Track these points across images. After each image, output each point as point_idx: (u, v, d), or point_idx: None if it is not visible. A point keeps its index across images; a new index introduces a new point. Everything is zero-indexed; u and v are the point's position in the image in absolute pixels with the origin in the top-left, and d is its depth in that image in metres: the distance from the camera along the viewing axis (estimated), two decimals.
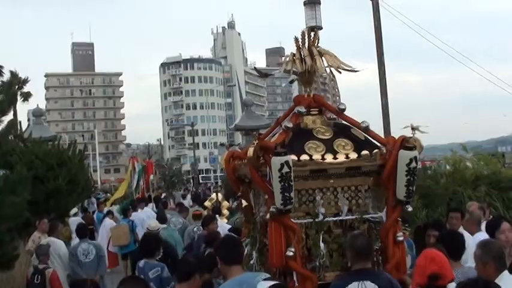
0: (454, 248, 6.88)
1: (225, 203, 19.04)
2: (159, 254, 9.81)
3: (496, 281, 5.76)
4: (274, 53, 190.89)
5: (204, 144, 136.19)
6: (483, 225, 9.94)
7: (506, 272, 6.09)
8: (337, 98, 7.35)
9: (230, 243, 6.38)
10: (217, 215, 15.38)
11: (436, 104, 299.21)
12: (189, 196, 36.67)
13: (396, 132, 6.97)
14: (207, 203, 18.94)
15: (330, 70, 7.03)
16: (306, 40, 7.03)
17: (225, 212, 17.86)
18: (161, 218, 15.76)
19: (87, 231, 14.24)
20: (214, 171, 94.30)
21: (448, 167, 17.97)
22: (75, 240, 15.29)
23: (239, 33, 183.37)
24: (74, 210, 23.72)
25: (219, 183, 50.83)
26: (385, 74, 19.44)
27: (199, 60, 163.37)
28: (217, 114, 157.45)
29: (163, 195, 37.69)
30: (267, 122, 27.37)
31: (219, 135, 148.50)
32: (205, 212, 17.89)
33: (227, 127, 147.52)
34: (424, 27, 27.09)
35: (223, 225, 14.26)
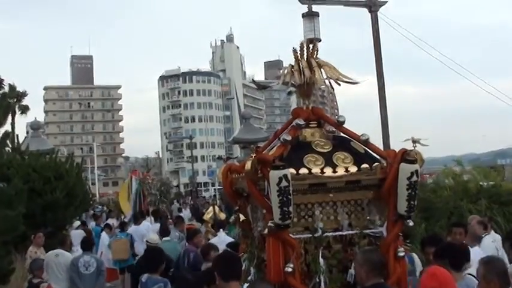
0: (455, 259, 6.76)
1: (222, 215, 18.93)
2: (162, 268, 9.66)
3: None
4: (272, 66, 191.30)
5: (202, 157, 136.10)
6: (485, 240, 9.86)
7: None
8: (336, 110, 7.24)
9: (228, 259, 6.28)
10: (221, 229, 15.32)
11: (433, 117, 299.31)
12: (187, 209, 36.52)
13: (395, 145, 6.87)
14: (205, 217, 18.82)
15: (329, 82, 6.92)
16: (305, 51, 6.92)
17: None
18: (164, 231, 15.73)
19: (92, 244, 14.35)
20: (213, 184, 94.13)
21: (446, 180, 17.91)
22: (76, 253, 15.20)
23: (238, 47, 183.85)
24: (77, 223, 23.64)
25: (217, 196, 50.65)
26: (384, 85, 19.33)
27: (198, 73, 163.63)
28: (216, 127, 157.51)
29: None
30: (266, 135, 27.26)
31: (218, 148, 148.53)
32: (201, 226, 17.83)
33: (225, 140, 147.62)
34: (423, 40, 26.96)
35: (226, 240, 14.17)
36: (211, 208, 19.37)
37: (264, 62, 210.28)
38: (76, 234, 18.87)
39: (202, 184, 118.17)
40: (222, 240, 13.92)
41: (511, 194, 15.40)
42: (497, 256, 7.39)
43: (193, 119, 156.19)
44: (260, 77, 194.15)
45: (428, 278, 5.76)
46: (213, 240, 14.09)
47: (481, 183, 16.23)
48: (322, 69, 6.80)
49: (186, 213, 31.53)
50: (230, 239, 14.29)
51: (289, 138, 6.51)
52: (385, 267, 6.05)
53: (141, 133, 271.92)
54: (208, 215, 18.91)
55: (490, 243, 9.76)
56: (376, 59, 19.26)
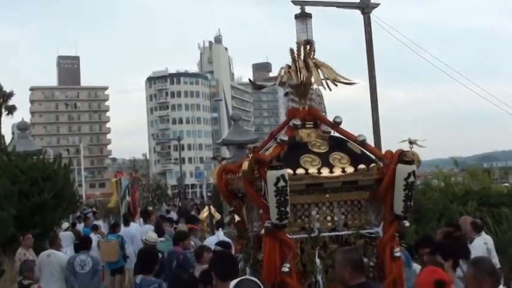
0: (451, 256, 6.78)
1: (217, 215, 18.91)
2: (157, 269, 9.63)
3: None
4: (261, 68, 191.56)
5: (189, 159, 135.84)
6: (476, 242, 9.90)
7: (501, 287, 6.00)
8: (323, 113, 7.21)
9: (225, 258, 6.26)
10: (220, 228, 15.34)
11: (419, 120, 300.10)
12: (173, 212, 36.43)
13: (386, 147, 6.87)
14: (201, 216, 18.79)
15: (327, 83, 6.90)
16: (302, 52, 6.91)
17: None
18: (159, 231, 15.74)
19: (89, 244, 14.19)
20: (200, 186, 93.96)
21: (436, 182, 17.98)
22: (66, 254, 15.12)
23: (226, 48, 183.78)
24: (66, 224, 23.53)
25: (205, 198, 50.57)
26: (376, 88, 19.40)
27: (186, 74, 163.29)
28: (203, 128, 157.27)
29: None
30: (255, 137, 27.26)
31: (205, 150, 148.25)
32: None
33: (213, 142, 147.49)
34: (413, 43, 27.03)
35: (224, 239, 14.18)
36: (206, 208, 19.32)
37: (252, 64, 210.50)
38: (65, 236, 18.73)
39: (190, 186, 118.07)
40: (220, 239, 13.92)
41: (500, 196, 15.49)
42: (485, 256, 7.41)
43: (180, 121, 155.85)
44: (248, 78, 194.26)
45: (430, 274, 5.75)
46: (211, 239, 14.11)
47: (471, 185, 16.32)
48: (319, 70, 6.80)
49: (173, 215, 31.47)
50: (227, 239, 14.37)
51: (286, 138, 6.50)
52: (364, 265, 6.03)
53: (128, 134, 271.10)
54: (204, 215, 18.87)
55: (482, 245, 9.82)
56: (368, 61, 19.30)
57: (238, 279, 5.15)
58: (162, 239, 15.14)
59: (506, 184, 18.16)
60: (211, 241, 13.52)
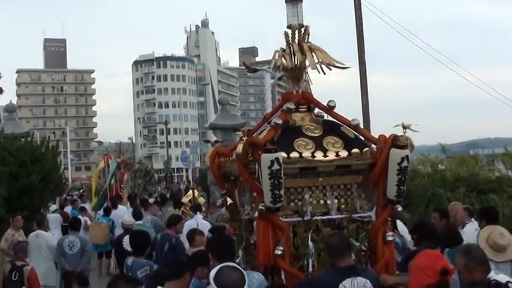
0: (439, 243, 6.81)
1: (201, 199, 18.93)
2: (148, 252, 9.63)
3: None
4: (247, 53, 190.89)
5: (176, 143, 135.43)
6: (467, 227, 9.92)
7: (492, 272, 6.04)
8: None
9: (222, 240, 6.29)
10: (197, 211, 15.40)
11: (406, 106, 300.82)
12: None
13: (375, 133, 6.89)
14: (184, 200, 18.83)
15: (312, 69, 6.88)
16: (296, 35, 6.90)
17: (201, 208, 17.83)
18: (137, 214, 15.75)
19: (79, 225, 14.63)
20: (186, 170, 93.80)
21: (422, 167, 18.01)
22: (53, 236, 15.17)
23: (213, 32, 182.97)
24: (54, 207, 23.49)
25: (191, 182, 50.51)
26: (366, 73, 19.42)
27: (172, 58, 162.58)
28: (190, 113, 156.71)
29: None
30: (243, 121, 27.24)
31: (191, 134, 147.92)
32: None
33: (199, 126, 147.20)
34: (404, 28, 27.04)
35: (203, 223, 14.28)
36: (190, 192, 19.36)
37: (239, 48, 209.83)
38: (53, 218, 18.70)
39: (176, 170, 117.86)
40: (198, 222, 14.07)
41: (489, 183, 15.51)
42: (475, 244, 7.44)
43: (167, 105, 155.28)
44: (235, 63, 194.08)
45: (435, 259, 5.76)
46: (189, 223, 14.11)
47: (459, 172, 16.34)
48: (313, 53, 6.79)
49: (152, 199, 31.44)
50: (206, 222, 14.50)
51: (280, 121, 6.50)
52: (349, 247, 6.00)
53: (114, 118, 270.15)
54: (187, 198, 18.90)
55: (473, 231, 9.82)
56: (359, 46, 19.33)
57: (218, 266, 5.14)
58: (140, 222, 15.11)
59: (492, 169, 18.16)
60: (189, 225, 13.51)
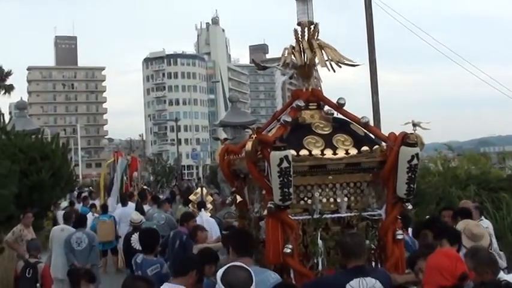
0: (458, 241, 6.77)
1: (209, 198, 18.93)
2: (158, 250, 9.62)
3: None
4: (257, 50, 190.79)
5: (186, 140, 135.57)
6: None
7: (501, 273, 6.01)
8: None
9: (244, 234, 6.28)
10: (202, 209, 15.72)
11: (416, 104, 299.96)
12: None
13: (385, 131, 6.84)
14: (192, 197, 18.83)
15: (322, 66, 6.84)
16: (306, 33, 6.87)
17: (209, 206, 17.86)
18: (140, 211, 15.90)
19: (85, 222, 14.78)
20: (197, 168, 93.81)
21: (432, 166, 17.97)
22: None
23: (223, 29, 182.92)
24: (64, 204, 23.58)
25: (201, 180, 50.62)
26: (376, 71, 19.33)
27: (183, 55, 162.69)
28: (200, 110, 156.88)
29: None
30: (253, 119, 27.21)
31: (202, 131, 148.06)
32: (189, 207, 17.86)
33: (210, 123, 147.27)
34: (414, 27, 26.93)
35: (208, 219, 14.40)
36: (199, 189, 19.40)
37: (249, 46, 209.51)
38: (62, 215, 18.84)
39: (186, 167, 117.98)
40: (203, 220, 14.10)
41: (500, 181, 15.48)
42: (480, 246, 7.37)
43: (177, 102, 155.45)
44: (245, 60, 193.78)
45: (455, 262, 5.69)
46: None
47: (470, 170, 16.32)
48: (323, 51, 6.76)
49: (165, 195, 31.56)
50: (211, 219, 14.61)
51: (289, 119, 6.47)
52: (363, 250, 5.91)
53: (125, 115, 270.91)
54: (195, 196, 18.92)
55: (484, 229, 9.77)
56: (369, 44, 19.23)
57: (226, 266, 5.14)
58: (148, 222, 15.19)
59: (503, 167, 18.08)
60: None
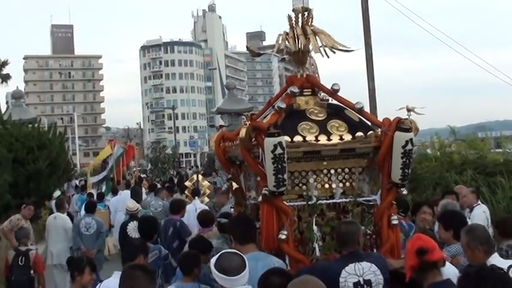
0: (459, 228, 6.80)
1: (205, 183, 18.97)
2: (156, 237, 9.70)
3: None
4: (255, 37, 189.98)
5: (183, 128, 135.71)
6: (476, 210, 9.91)
7: (496, 254, 6.04)
8: None
9: (244, 221, 6.28)
10: (196, 196, 15.95)
11: (414, 90, 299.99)
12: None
13: (382, 117, 6.84)
14: (187, 183, 18.89)
15: (324, 50, 6.83)
16: (300, 19, 6.84)
17: (207, 191, 17.86)
18: (136, 198, 16.09)
19: (94, 208, 15.40)
20: (194, 155, 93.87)
21: (431, 151, 17.98)
22: None
23: (220, 17, 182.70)
24: (58, 193, 23.64)
25: (199, 167, 50.67)
26: (372, 57, 19.31)
27: (180, 43, 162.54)
28: (197, 98, 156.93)
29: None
30: (250, 106, 27.24)
31: (199, 119, 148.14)
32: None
33: (207, 111, 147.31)
34: (410, 11, 26.82)
35: (200, 206, 14.39)
36: (194, 176, 19.43)
37: (246, 33, 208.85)
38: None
39: (184, 155, 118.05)
40: (197, 207, 14.11)
41: (496, 165, 15.47)
42: (478, 224, 7.43)
43: (174, 90, 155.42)
44: (242, 47, 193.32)
45: (414, 240, 5.72)
46: (188, 207, 14.15)
47: (467, 155, 16.32)
48: (317, 37, 6.74)
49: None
50: (204, 206, 14.57)
51: (283, 105, 6.46)
52: (356, 238, 5.88)
53: (122, 103, 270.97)
54: (190, 182, 18.98)
55: (481, 213, 9.84)
56: (365, 30, 19.21)
57: (219, 253, 5.18)
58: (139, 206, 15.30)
59: (501, 152, 18.07)
60: (188, 209, 13.50)
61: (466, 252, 6.12)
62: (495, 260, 5.88)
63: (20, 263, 11.45)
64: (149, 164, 61.26)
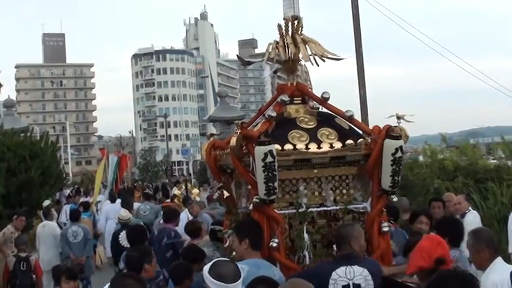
0: (455, 234, 6.84)
1: (195, 191, 18.99)
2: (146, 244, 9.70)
3: (489, 267, 5.96)
4: (246, 45, 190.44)
5: (176, 136, 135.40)
6: (469, 216, 9.96)
7: (499, 258, 6.08)
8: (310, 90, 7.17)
9: (258, 229, 6.21)
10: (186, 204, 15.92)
11: (406, 97, 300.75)
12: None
13: (373, 124, 6.88)
14: (176, 192, 18.94)
15: (314, 59, 6.86)
16: (290, 27, 6.88)
17: (196, 198, 17.89)
18: (127, 206, 16.12)
19: (78, 216, 15.64)
20: (187, 163, 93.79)
21: (422, 158, 18.04)
22: None
23: (211, 24, 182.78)
24: (47, 202, 23.56)
25: (192, 175, 50.66)
26: (363, 64, 19.35)
27: (172, 51, 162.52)
28: (190, 105, 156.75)
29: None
30: (242, 114, 27.33)
31: (191, 127, 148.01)
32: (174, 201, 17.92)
33: (199, 119, 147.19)
34: (401, 18, 26.97)
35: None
36: (183, 184, 19.51)
37: (238, 41, 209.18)
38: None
39: (177, 163, 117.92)
40: (189, 216, 14.28)
41: (487, 172, 15.53)
42: (484, 228, 7.54)
43: (166, 98, 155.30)
44: (234, 55, 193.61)
45: (435, 245, 5.72)
46: (181, 216, 14.14)
47: (458, 161, 16.38)
48: (307, 45, 6.78)
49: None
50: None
51: (274, 114, 6.49)
52: (349, 238, 5.92)
53: (115, 112, 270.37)
54: (179, 190, 19.02)
55: (474, 219, 9.89)
56: (356, 37, 19.24)
57: (212, 261, 5.17)
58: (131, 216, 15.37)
59: (493, 158, 18.15)
60: (180, 218, 13.50)
61: (471, 254, 6.27)
62: (499, 263, 5.97)
63: (22, 268, 11.89)
64: (138, 171, 61.26)
